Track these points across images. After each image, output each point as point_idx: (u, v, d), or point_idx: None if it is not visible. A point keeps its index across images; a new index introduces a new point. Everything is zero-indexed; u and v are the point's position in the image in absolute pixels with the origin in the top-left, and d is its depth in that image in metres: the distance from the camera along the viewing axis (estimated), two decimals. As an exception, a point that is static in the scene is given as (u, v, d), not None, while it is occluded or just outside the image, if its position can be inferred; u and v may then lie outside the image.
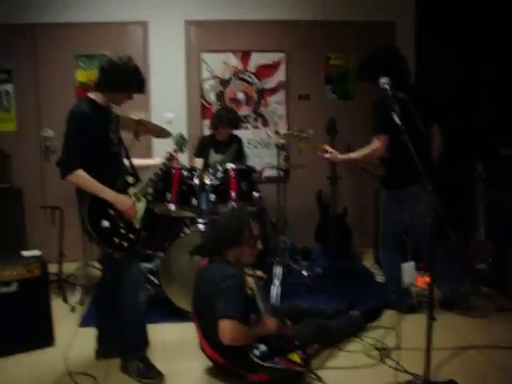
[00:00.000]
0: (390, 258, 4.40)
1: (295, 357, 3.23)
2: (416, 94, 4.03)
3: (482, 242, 4.83)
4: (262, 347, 3.20)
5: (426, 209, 3.77)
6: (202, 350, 3.45)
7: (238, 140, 5.74)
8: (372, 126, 4.19)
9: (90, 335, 3.75)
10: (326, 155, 4.39)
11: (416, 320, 4.20)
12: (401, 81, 4.03)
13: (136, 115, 4.25)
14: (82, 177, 3.25)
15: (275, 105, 6.56)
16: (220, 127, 5.51)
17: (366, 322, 4.10)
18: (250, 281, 3.51)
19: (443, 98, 4.95)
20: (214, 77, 6.44)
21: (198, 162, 5.49)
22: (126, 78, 3.38)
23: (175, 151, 3.96)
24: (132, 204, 3.45)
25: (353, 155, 4.31)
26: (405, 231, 4.32)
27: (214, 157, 5.54)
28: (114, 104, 3.51)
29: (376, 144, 4.12)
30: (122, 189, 3.48)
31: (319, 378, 3.30)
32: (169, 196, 4.41)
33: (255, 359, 3.15)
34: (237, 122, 5.69)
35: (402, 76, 4.17)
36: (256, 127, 6.53)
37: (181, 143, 4.01)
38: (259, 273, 3.64)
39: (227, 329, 3.12)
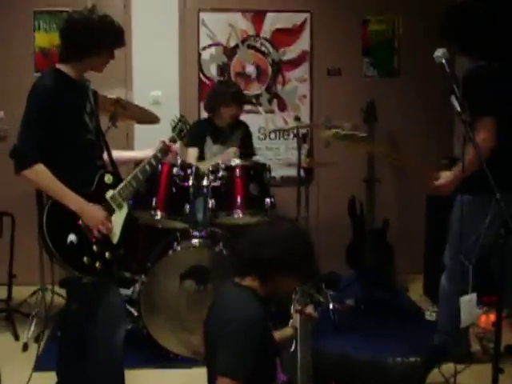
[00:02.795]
0: (456, 291, 4.36)
1: None
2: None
3: None
4: None
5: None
6: None
7: (244, 126, 5.73)
8: (470, 108, 4.14)
9: (47, 382, 3.78)
10: (439, 183, 4.25)
11: (477, 372, 4.21)
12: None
13: (113, 93, 4.29)
14: (42, 173, 3.22)
15: (296, 82, 6.60)
16: (219, 107, 5.44)
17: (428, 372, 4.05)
18: (295, 319, 3.43)
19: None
20: (217, 44, 6.49)
21: (191, 154, 5.43)
22: (97, 36, 3.37)
23: (172, 141, 3.94)
24: (104, 218, 3.38)
25: (461, 166, 4.04)
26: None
27: (212, 148, 5.54)
28: (94, 71, 3.50)
29: (482, 134, 3.96)
30: (98, 191, 3.45)
31: None
32: (154, 201, 4.44)
33: None
34: (242, 99, 5.61)
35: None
36: (270, 111, 6.57)
37: (181, 130, 4.00)
38: (310, 309, 3.48)
39: None
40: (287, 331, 3.48)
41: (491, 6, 4.11)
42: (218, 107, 5.45)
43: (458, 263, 4.31)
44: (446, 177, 4.21)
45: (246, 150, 5.62)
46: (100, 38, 3.39)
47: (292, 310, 3.47)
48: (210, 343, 3.15)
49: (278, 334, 3.48)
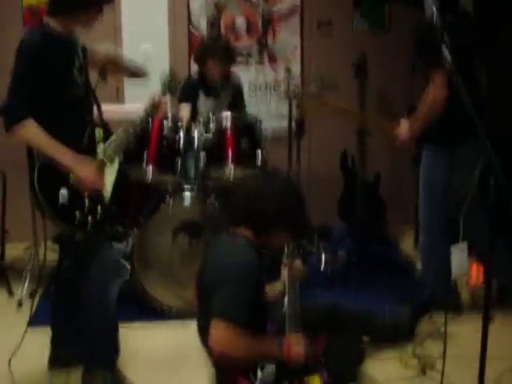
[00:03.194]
0: (438, 243, 4.41)
1: (316, 381, 3.14)
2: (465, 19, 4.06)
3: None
4: (269, 368, 3.04)
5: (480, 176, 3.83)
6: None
7: (236, 82, 5.70)
8: (419, 63, 4.17)
9: (42, 338, 3.81)
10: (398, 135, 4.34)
11: (467, 321, 4.27)
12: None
13: (102, 47, 4.25)
14: (32, 129, 3.20)
15: (287, 35, 6.55)
16: (207, 62, 5.38)
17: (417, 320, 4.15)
18: (284, 274, 3.52)
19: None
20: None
21: (184, 109, 5.38)
22: None
23: (162, 95, 3.92)
24: (98, 178, 3.39)
25: (417, 117, 4.23)
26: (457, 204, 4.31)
27: (205, 102, 5.51)
28: (82, 27, 3.45)
29: (434, 87, 4.06)
30: (89, 146, 3.44)
31: None
32: (145, 156, 4.45)
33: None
34: (231, 54, 5.54)
35: None
36: (260, 63, 6.54)
37: (171, 85, 3.98)
38: (298, 264, 3.60)
39: (219, 333, 2.96)
40: (276, 286, 3.54)
41: None
42: (206, 62, 5.39)
43: (435, 216, 4.36)
44: (403, 125, 4.30)
45: (238, 105, 5.59)
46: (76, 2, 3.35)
47: (282, 265, 3.52)
48: (204, 293, 3.19)
49: (268, 288, 3.54)
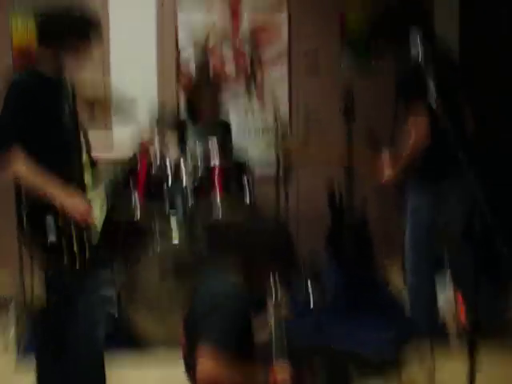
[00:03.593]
0: (425, 283, 4.41)
1: None
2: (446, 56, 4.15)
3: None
4: None
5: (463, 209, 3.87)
6: None
7: (225, 123, 5.72)
8: (401, 101, 4.23)
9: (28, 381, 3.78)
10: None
11: (455, 354, 4.28)
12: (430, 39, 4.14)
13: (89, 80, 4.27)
14: (19, 160, 3.21)
15: (275, 81, 6.62)
16: (199, 99, 5.47)
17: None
18: (271, 312, 3.53)
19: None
20: (195, 44, 6.49)
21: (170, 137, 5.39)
22: (64, 24, 3.39)
23: (149, 137, 3.95)
24: (88, 209, 3.41)
25: (400, 157, 4.28)
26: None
27: (193, 128, 5.41)
28: (71, 69, 3.50)
29: (417, 127, 4.13)
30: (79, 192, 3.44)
31: None
32: (133, 195, 4.49)
33: None
34: (220, 92, 5.64)
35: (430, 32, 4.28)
36: (250, 110, 6.60)
37: (160, 124, 4.01)
38: (284, 302, 3.61)
39: (208, 361, 2.96)
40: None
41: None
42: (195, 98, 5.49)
43: (422, 256, 4.36)
44: (385, 159, 4.39)
45: (226, 146, 5.58)
46: (69, 27, 3.40)
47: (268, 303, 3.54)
48: (192, 328, 3.20)
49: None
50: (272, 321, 3.40)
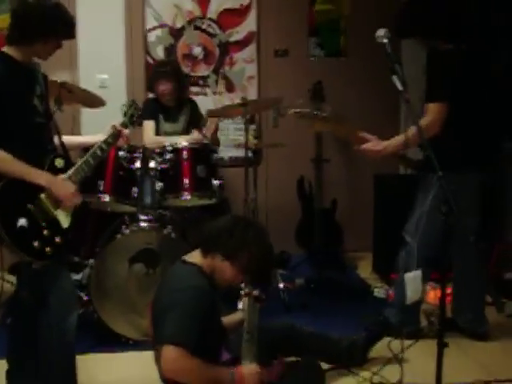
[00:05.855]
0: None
1: None
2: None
3: (512, 244, 5.01)
4: None
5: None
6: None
7: (191, 103, 5.71)
8: (425, 91, 4.23)
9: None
10: (366, 147, 4.32)
11: (424, 347, 4.29)
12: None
13: (58, 77, 4.26)
14: (2, 157, 3.16)
15: (243, 63, 6.62)
16: (158, 84, 5.45)
17: (366, 352, 4.14)
18: (244, 302, 3.53)
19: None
20: (163, 25, 6.46)
21: (148, 127, 5.44)
22: (46, 24, 3.32)
23: (123, 126, 3.92)
24: (74, 190, 3.37)
25: (404, 137, 4.23)
26: None
27: (164, 126, 5.56)
28: (39, 58, 3.46)
29: (430, 117, 4.14)
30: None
31: None
32: (102, 185, 4.43)
33: None
34: (180, 75, 5.59)
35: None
36: (218, 92, 6.57)
37: (133, 115, 3.99)
38: (256, 292, 3.57)
39: (170, 358, 2.98)
40: (236, 315, 3.56)
41: None
42: (157, 86, 5.47)
43: (431, 238, 4.37)
44: (378, 142, 4.29)
45: (197, 122, 5.61)
46: (51, 28, 3.34)
47: (241, 293, 3.54)
48: (157, 320, 3.19)
49: (227, 319, 3.55)
50: (245, 313, 3.45)
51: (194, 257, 3.31)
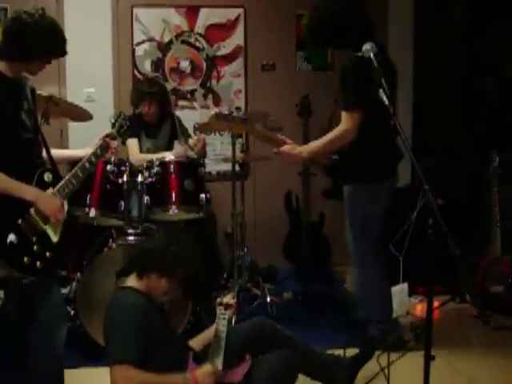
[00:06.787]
0: (371, 274, 4.45)
1: None
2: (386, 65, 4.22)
3: (497, 258, 5.05)
4: None
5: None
6: None
7: (171, 118, 5.63)
8: (342, 101, 4.29)
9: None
10: (283, 149, 4.39)
11: (411, 359, 4.31)
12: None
13: (45, 90, 4.26)
14: None
15: (231, 77, 6.64)
16: (142, 103, 5.45)
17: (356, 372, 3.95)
18: (220, 314, 3.57)
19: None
20: (150, 39, 6.49)
21: (132, 145, 5.46)
22: (42, 43, 3.33)
23: (112, 138, 3.93)
24: (61, 204, 3.37)
25: (317, 143, 4.35)
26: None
27: (146, 143, 5.56)
28: (28, 74, 3.47)
29: (346, 124, 4.19)
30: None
31: None
32: (89, 198, 4.44)
33: None
34: (163, 96, 5.56)
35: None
36: (205, 106, 6.58)
37: (121, 127, 4.00)
38: (227, 299, 3.65)
39: (115, 377, 3.05)
40: (211, 330, 3.59)
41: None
42: (138, 104, 5.48)
43: (365, 248, 4.41)
44: (294, 146, 4.39)
45: (180, 134, 5.51)
46: (47, 47, 3.37)
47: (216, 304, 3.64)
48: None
49: (202, 336, 3.67)
50: (216, 319, 3.55)
51: (130, 281, 3.41)
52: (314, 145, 4.37)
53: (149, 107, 5.40)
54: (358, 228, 4.44)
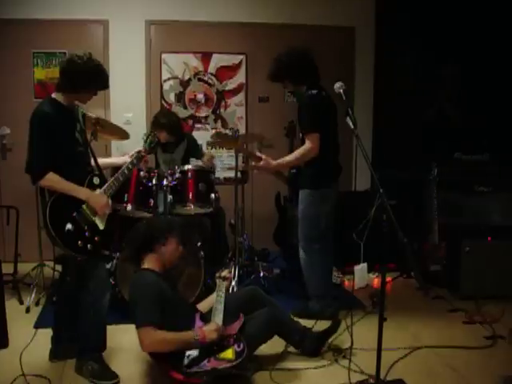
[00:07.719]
0: (317, 258, 4.40)
1: (228, 353, 3.17)
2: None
3: (435, 244, 5.06)
4: (194, 353, 3.15)
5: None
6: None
7: (187, 139, 5.55)
8: (303, 125, 4.29)
9: (45, 336, 3.75)
10: (261, 163, 4.35)
11: (369, 320, 4.31)
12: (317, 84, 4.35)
13: (94, 113, 4.24)
14: (54, 179, 3.26)
15: (235, 106, 6.62)
16: (155, 130, 5.20)
17: (323, 343, 3.86)
18: (220, 284, 3.63)
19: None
20: (174, 77, 6.47)
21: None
22: (89, 79, 3.36)
23: (145, 151, 3.97)
24: (107, 201, 3.45)
25: (287, 158, 4.34)
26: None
27: (161, 156, 5.49)
28: (79, 103, 3.50)
29: (310, 143, 4.19)
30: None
31: (247, 371, 3.30)
32: (126, 196, 4.42)
33: (183, 368, 3.12)
34: (173, 127, 5.32)
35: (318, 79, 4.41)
36: (215, 128, 6.56)
37: (152, 142, 4.02)
38: (224, 273, 3.72)
39: (142, 337, 3.10)
40: (213, 296, 3.65)
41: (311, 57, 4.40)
42: (154, 130, 5.34)
43: (314, 237, 4.37)
44: (268, 160, 4.34)
45: (193, 153, 5.54)
46: (92, 81, 3.40)
47: (216, 278, 3.76)
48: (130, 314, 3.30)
49: (206, 301, 3.72)
50: (216, 289, 3.63)
51: (146, 263, 3.46)
52: (285, 159, 4.35)
53: (159, 134, 5.15)
54: (308, 222, 4.37)
